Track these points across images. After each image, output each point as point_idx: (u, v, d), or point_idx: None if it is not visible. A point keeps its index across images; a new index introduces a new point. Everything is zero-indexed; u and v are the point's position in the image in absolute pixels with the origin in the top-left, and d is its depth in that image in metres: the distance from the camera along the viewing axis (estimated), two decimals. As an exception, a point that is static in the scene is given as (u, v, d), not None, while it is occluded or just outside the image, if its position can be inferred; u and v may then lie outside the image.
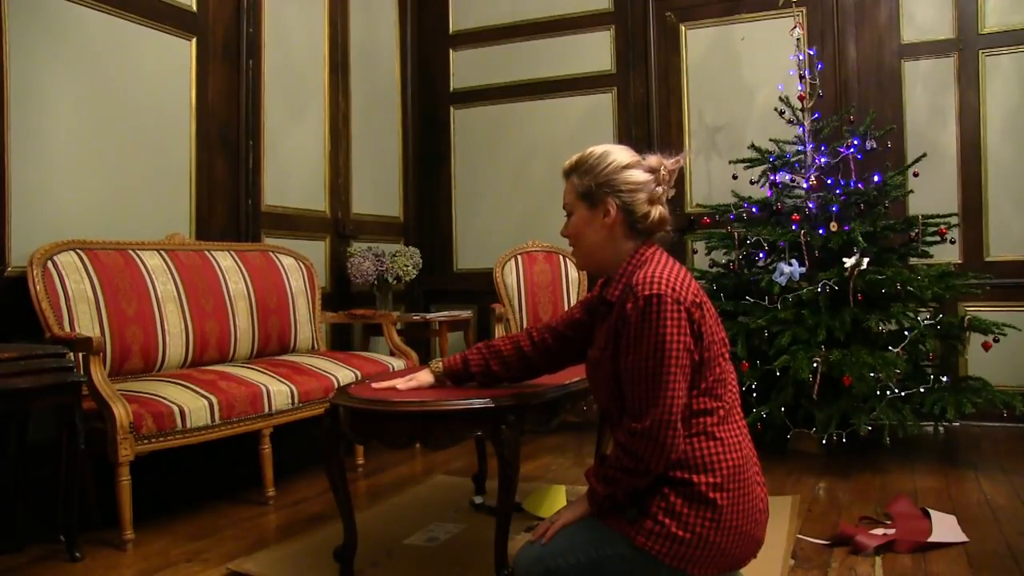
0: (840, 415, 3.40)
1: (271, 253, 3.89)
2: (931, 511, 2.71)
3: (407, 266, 4.57)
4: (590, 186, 1.71)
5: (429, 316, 4.71)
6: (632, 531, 1.61)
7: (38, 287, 2.80)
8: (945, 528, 2.57)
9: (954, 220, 3.82)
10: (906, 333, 3.53)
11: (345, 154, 4.76)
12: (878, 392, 3.39)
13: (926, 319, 3.60)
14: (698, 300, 1.63)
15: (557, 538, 1.68)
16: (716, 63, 4.80)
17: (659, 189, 1.73)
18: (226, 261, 3.59)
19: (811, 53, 4.09)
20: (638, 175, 1.71)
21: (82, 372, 2.59)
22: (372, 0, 5.07)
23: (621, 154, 1.74)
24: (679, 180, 5.04)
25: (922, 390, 3.45)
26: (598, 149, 1.74)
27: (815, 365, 3.34)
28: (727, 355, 1.72)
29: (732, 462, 1.62)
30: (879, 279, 3.47)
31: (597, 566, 1.63)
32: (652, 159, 1.74)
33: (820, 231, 3.65)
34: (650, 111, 4.90)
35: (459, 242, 5.41)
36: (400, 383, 2.08)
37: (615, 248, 1.74)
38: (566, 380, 2.23)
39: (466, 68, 5.39)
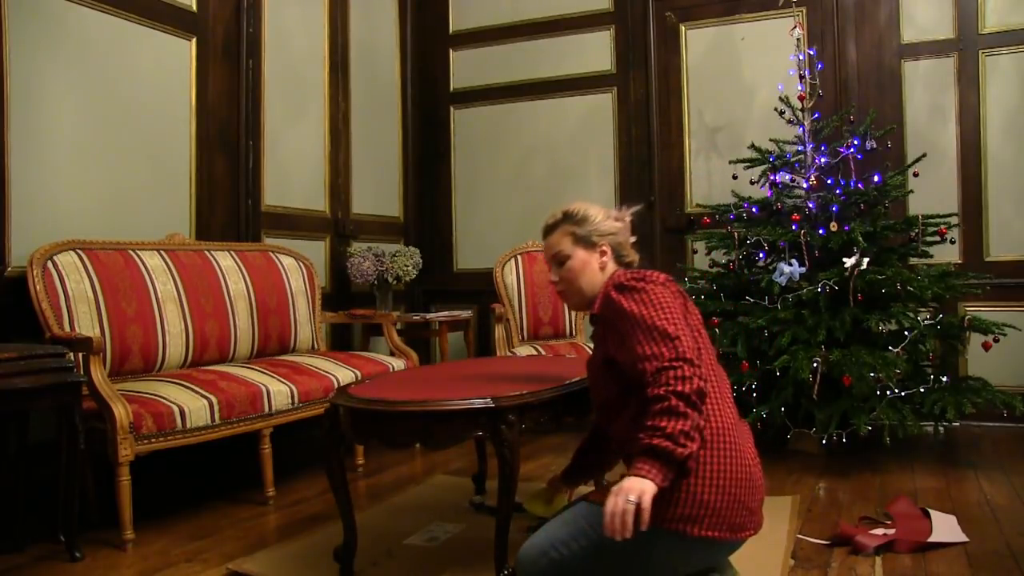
0: (840, 415, 3.40)
1: (271, 253, 3.89)
2: (931, 511, 2.71)
3: (407, 266, 4.57)
4: (588, 233, 2.03)
5: (429, 316, 4.71)
6: None
7: (38, 287, 2.80)
8: (945, 528, 2.57)
9: (954, 220, 3.82)
10: (906, 333, 3.53)
11: (345, 154, 4.76)
12: (878, 392, 3.39)
13: (926, 319, 3.59)
14: (667, 281, 1.84)
15: (556, 528, 1.73)
16: (716, 63, 4.80)
17: (627, 232, 2.11)
18: (226, 261, 3.59)
19: (811, 53, 4.08)
20: (614, 224, 2.08)
21: (82, 372, 2.59)
22: (372, 0, 5.07)
23: (598, 209, 2.10)
24: (680, 180, 5.06)
25: (922, 390, 3.44)
26: (580, 206, 2.08)
27: (815, 365, 3.34)
28: (703, 331, 1.88)
29: (714, 424, 1.70)
30: (879, 279, 3.47)
31: (599, 548, 1.67)
32: (614, 212, 2.11)
33: (820, 231, 3.65)
34: (650, 111, 4.90)
35: (459, 242, 5.41)
36: None
37: (602, 279, 2.00)
38: (566, 380, 2.23)
39: (466, 68, 5.39)
